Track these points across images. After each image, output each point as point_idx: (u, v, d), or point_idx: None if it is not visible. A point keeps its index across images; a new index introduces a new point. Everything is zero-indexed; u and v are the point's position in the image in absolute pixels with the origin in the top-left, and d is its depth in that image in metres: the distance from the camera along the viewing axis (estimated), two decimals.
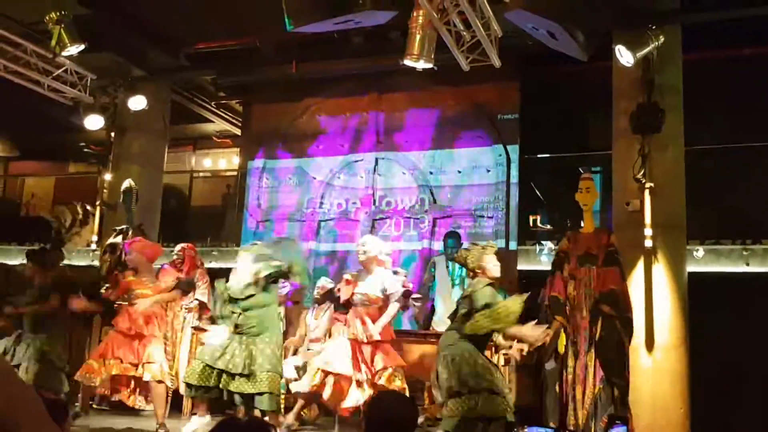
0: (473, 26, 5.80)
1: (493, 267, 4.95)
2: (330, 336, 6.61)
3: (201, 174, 13.36)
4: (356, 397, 5.56)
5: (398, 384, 5.57)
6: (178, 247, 7.32)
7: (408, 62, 6.02)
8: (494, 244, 5.20)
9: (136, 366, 5.70)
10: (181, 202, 12.28)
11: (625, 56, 6.57)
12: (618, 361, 5.26)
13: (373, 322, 5.65)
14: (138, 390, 6.03)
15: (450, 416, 4.49)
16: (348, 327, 5.89)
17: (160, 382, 5.73)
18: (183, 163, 13.19)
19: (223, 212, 11.64)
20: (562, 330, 5.43)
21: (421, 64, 6.02)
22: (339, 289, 6.26)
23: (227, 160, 13.56)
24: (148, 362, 5.68)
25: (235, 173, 11.83)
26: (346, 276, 6.17)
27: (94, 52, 7.81)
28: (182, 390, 6.15)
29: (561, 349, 5.47)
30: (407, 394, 5.37)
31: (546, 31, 5.72)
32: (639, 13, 6.81)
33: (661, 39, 6.54)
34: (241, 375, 5.19)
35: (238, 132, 11.79)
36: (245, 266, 5.55)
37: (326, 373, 5.73)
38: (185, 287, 6.30)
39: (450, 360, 4.59)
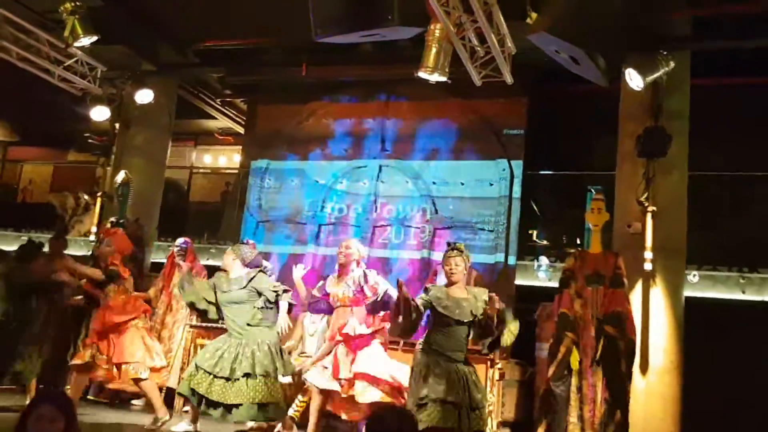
0: (489, 42, 5.83)
1: None
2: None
3: (201, 170, 13.36)
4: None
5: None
6: (181, 240, 7.19)
7: (422, 74, 6.04)
8: None
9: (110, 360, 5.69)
10: (180, 197, 12.27)
11: (635, 80, 6.61)
12: (619, 382, 5.28)
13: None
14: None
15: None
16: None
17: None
18: (183, 157, 13.19)
19: (222, 209, 11.62)
20: (575, 346, 5.43)
21: (435, 77, 6.05)
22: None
23: (228, 158, 13.56)
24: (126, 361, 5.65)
25: (234, 171, 11.81)
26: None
27: (105, 44, 7.81)
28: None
29: (575, 365, 5.43)
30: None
31: (568, 55, 5.72)
32: (651, 38, 6.85)
33: (672, 64, 6.59)
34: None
35: (240, 130, 11.78)
36: None
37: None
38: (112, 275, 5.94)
39: (476, 378, 4.43)
